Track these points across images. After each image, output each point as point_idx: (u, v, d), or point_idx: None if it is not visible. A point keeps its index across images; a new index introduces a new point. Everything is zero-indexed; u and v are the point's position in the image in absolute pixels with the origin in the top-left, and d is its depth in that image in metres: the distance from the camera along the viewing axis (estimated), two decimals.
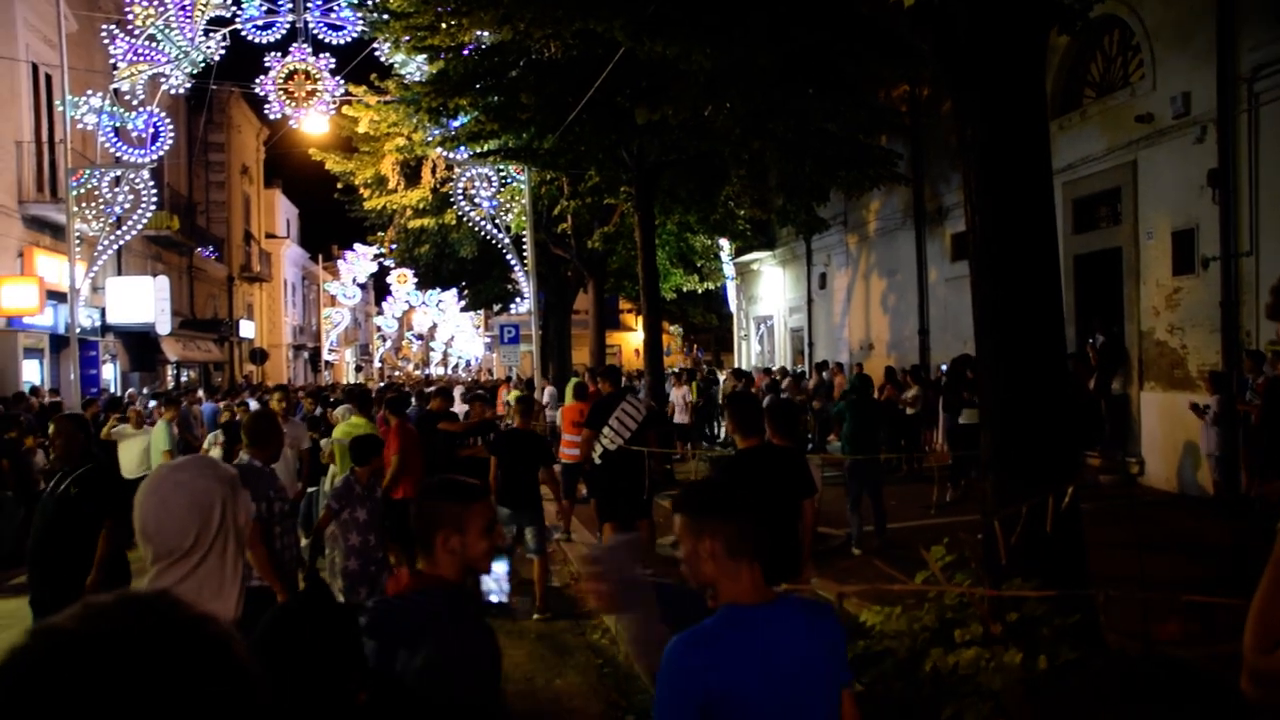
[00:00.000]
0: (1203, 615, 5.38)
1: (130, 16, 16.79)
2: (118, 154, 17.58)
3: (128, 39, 16.84)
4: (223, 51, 17.34)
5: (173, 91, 17.88)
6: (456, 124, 14.54)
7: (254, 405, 15.14)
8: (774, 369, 23.36)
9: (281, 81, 17.57)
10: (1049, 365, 5.55)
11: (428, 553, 2.39)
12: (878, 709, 5.60)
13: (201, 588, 2.06)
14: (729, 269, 29.22)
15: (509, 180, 18.23)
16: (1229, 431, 10.54)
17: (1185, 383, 11.91)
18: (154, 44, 16.92)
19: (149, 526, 2.09)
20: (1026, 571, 5.25)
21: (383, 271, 51.16)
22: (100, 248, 17.52)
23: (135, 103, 17.42)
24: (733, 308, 31.75)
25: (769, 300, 28.20)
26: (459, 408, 15.54)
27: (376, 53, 16.89)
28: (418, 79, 15.46)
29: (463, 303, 35.82)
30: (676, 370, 24.08)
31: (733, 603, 2.41)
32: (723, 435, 19.95)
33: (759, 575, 2.44)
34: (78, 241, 17.20)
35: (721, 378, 23.34)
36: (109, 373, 22.73)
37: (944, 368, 16.03)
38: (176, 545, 2.07)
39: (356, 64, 24.33)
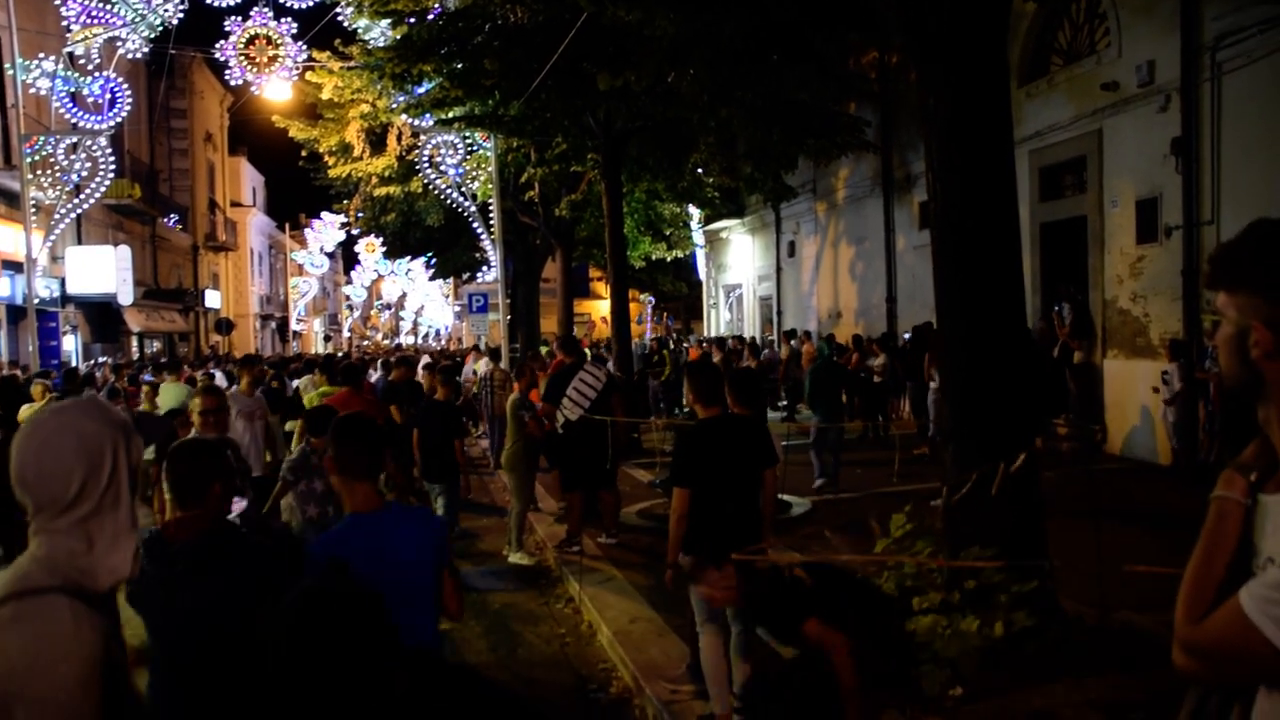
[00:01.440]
0: (1157, 583, 5.46)
1: None
2: (74, 120, 17.23)
3: (81, 1, 16.45)
4: (181, 15, 16.99)
5: (130, 56, 17.50)
6: (421, 90, 14.33)
7: (219, 378, 14.97)
8: (728, 338, 23.31)
9: (242, 47, 17.24)
10: (1009, 335, 5.56)
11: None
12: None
13: (92, 542, 1.85)
14: (698, 237, 29.16)
15: (475, 148, 18.03)
16: (1187, 399, 10.66)
17: (1147, 350, 12.02)
18: (108, 6, 16.54)
19: (28, 474, 1.84)
20: (984, 540, 5.28)
21: (351, 240, 50.68)
22: (58, 216, 17.20)
23: (91, 67, 17.07)
24: (702, 276, 31.71)
25: (738, 269, 28.18)
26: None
27: (340, 18, 16.59)
28: (382, 45, 15.21)
29: (431, 271, 35.54)
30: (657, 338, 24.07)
31: (355, 511, 3.18)
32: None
33: (372, 490, 3.21)
34: (34, 210, 16.86)
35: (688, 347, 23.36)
36: (70, 344, 22.38)
37: (907, 335, 16.13)
38: (60, 495, 1.84)
39: (320, 29, 23.92)
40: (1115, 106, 12.31)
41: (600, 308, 45.18)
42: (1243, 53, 10.46)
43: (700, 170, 17.85)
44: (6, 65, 17.34)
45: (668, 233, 24.13)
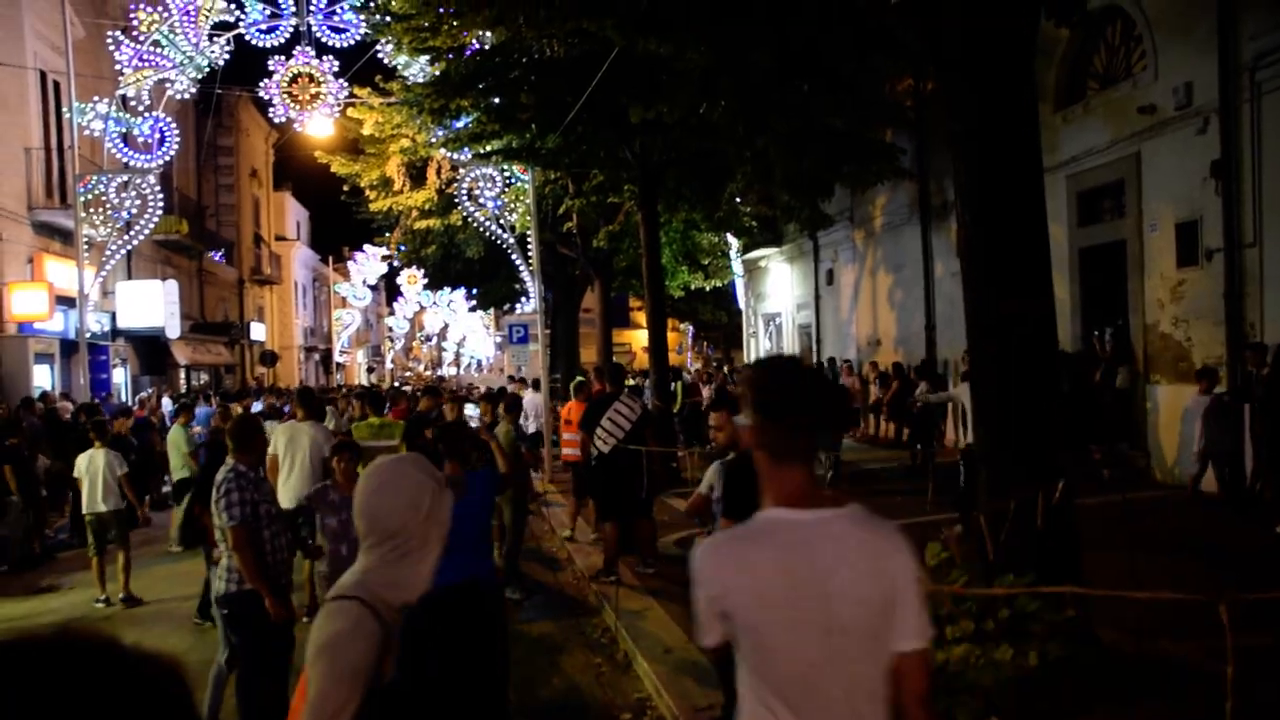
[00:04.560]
0: (1195, 613, 5.37)
1: (135, 23, 16.92)
2: (125, 159, 17.71)
3: (133, 45, 16.96)
4: (227, 56, 17.46)
5: (178, 96, 17.99)
6: (459, 125, 14.58)
7: (258, 408, 15.22)
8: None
9: (286, 85, 17.64)
10: (1041, 363, 5.53)
11: None
12: None
13: (398, 566, 2.34)
14: (737, 266, 29.20)
15: (513, 180, 18.25)
16: (1228, 425, 10.44)
17: (1190, 375, 11.83)
18: (159, 50, 17.04)
19: (367, 507, 2.37)
20: (1019, 568, 5.24)
21: (393, 272, 51.26)
22: (109, 252, 17.65)
23: (141, 108, 17.56)
24: (741, 305, 31.72)
25: (777, 297, 28.16)
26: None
27: (379, 55, 16.95)
28: (420, 80, 15.51)
29: (472, 303, 35.88)
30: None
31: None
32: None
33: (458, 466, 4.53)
34: (86, 247, 17.33)
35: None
36: (119, 376, 22.86)
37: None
38: (386, 526, 2.34)
39: (360, 66, 24.40)
40: (1153, 130, 12.21)
41: (640, 337, 45.27)
42: None
43: (737, 199, 17.92)
44: (65, 110, 17.89)
45: (705, 262, 24.21)
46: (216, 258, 32.62)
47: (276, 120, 18.54)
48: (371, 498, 2.39)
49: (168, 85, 17.43)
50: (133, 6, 17.35)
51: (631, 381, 20.18)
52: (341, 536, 5.97)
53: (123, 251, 18.48)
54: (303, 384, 32.80)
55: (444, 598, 3.78)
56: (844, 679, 1.97)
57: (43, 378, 18.98)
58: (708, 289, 27.08)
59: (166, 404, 19.57)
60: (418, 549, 2.37)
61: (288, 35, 17.33)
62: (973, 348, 5.73)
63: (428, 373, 69.85)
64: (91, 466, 9.25)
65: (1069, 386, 12.46)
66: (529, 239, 18.47)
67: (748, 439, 4.58)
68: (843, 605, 1.95)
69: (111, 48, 17.07)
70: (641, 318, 43.28)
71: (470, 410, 13.18)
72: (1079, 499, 6.75)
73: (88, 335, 17.64)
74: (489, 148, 14.74)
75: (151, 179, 17.63)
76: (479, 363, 77.88)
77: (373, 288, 54.95)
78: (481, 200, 18.21)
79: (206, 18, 16.97)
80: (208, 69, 17.49)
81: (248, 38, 17.21)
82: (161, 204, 18.09)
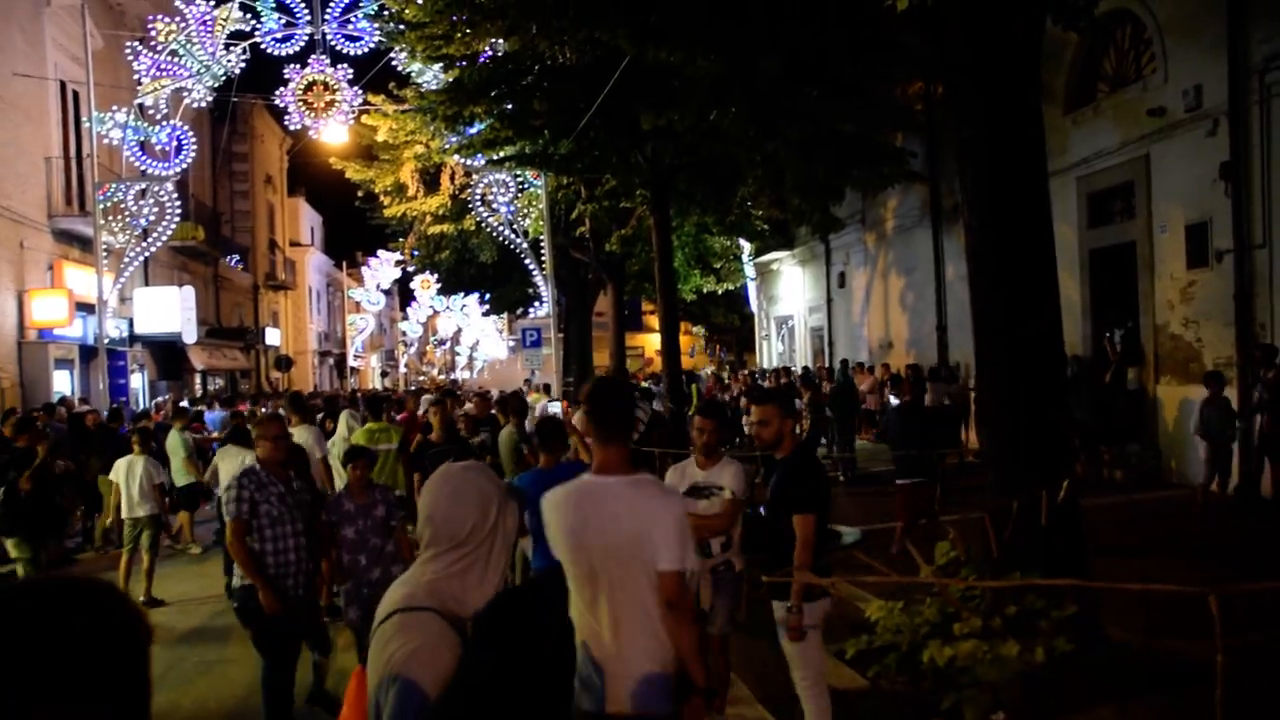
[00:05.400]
0: (1203, 611, 5.44)
1: (153, 33, 17.15)
2: (143, 167, 17.94)
3: (151, 55, 17.20)
4: (243, 64, 17.69)
5: (195, 105, 18.21)
6: (473, 131, 14.74)
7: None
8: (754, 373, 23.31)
9: (301, 92, 17.85)
10: (1047, 360, 5.62)
11: None
12: (881, 701, 5.70)
13: (466, 575, 2.36)
14: (749, 269, 29.29)
15: (526, 185, 18.42)
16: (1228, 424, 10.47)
17: (1200, 377, 11.88)
18: (176, 59, 17.27)
19: (436, 513, 2.39)
20: (1026, 566, 5.32)
21: (406, 277, 51.50)
22: (127, 259, 17.89)
23: (159, 117, 17.79)
24: (754, 308, 31.80)
25: (789, 300, 28.24)
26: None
27: (394, 62, 17.15)
28: (434, 88, 15.68)
29: (485, 307, 36.06)
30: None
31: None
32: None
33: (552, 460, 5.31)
34: (105, 254, 17.56)
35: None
36: (137, 382, 23.08)
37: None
38: (456, 533, 2.36)
39: (374, 74, 24.69)
40: (1163, 132, 12.27)
41: (653, 341, 45.40)
42: None
43: (748, 203, 18.02)
44: (84, 119, 18.13)
45: (717, 265, 24.31)
46: (232, 263, 32.87)
47: (292, 127, 18.75)
48: (443, 504, 2.40)
49: (185, 94, 17.66)
50: (150, 17, 17.62)
51: (645, 384, 20.31)
52: (359, 546, 5.87)
53: (141, 258, 18.72)
54: (291, 389, 32.98)
55: (546, 578, 4.08)
56: (615, 584, 3.01)
57: (62, 383, 19.21)
58: (720, 292, 27.19)
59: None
60: (484, 559, 2.38)
61: (303, 44, 17.54)
62: (979, 349, 5.82)
63: (441, 376, 70.05)
64: (130, 472, 9.55)
65: (1083, 388, 12.51)
66: (542, 243, 18.63)
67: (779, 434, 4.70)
68: (615, 536, 3.01)
69: (130, 58, 17.32)
70: (654, 321, 43.47)
71: (554, 406, 13.63)
72: (1089, 500, 6.83)
73: (106, 341, 17.87)
74: (502, 154, 14.90)
75: (169, 186, 17.86)
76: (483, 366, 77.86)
77: (386, 292, 55.17)
78: (495, 205, 18.39)
79: (223, 27, 17.20)
80: (224, 78, 17.71)
81: (263, 46, 17.43)
82: (179, 211, 18.31)
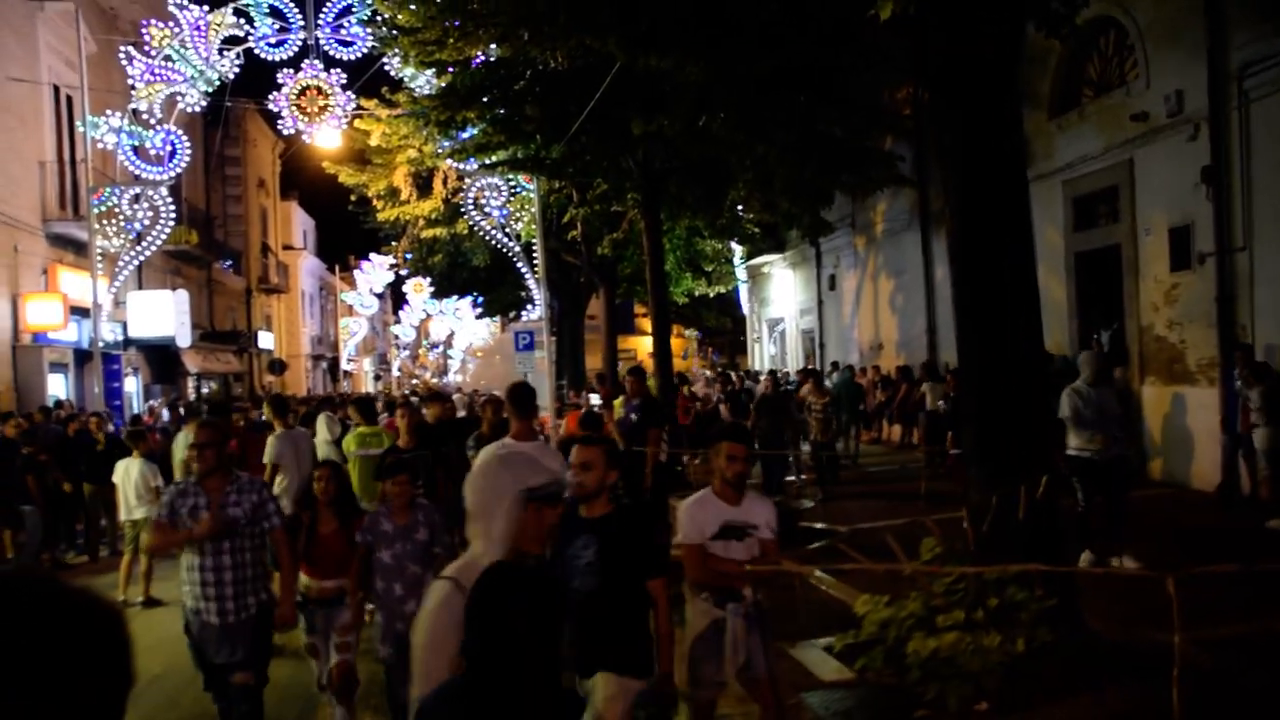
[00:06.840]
0: (1184, 603, 5.59)
1: (147, 38, 17.23)
2: (137, 172, 18.02)
3: (145, 60, 17.28)
4: (237, 69, 17.76)
5: (189, 109, 18.30)
6: (465, 136, 14.86)
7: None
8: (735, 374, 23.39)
9: (294, 97, 17.94)
10: (1025, 363, 5.78)
11: None
12: (868, 693, 5.85)
13: (472, 552, 2.80)
14: (740, 272, 29.46)
15: (518, 189, 18.54)
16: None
17: (1184, 377, 12.07)
18: (170, 64, 17.36)
19: (466, 493, 2.91)
20: (1007, 560, 5.47)
21: (399, 281, 51.54)
22: (121, 263, 17.97)
23: (153, 121, 17.86)
24: (745, 311, 31.97)
25: (780, 303, 28.41)
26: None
27: (386, 67, 17.25)
28: (427, 92, 15.79)
29: (478, 310, 36.18)
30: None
31: None
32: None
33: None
34: (99, 258, 17.64)
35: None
36: (131, 385, 23.15)
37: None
38: (486, 510, 2.79)
39: (367, 78, 24.82)
40: (1145, 137, 12.45)
41: (645, 344, 45.51)
42: (1269, 80, 10.59)
43: (739, 207, 18.17)
44: (78, 123, 18.21)
45: (709, 268, 24.47)
46: (225, 267, 32.93)
47: (285, 132, 18.84)
48: (466, 484, 2.85)
49: (179, 99, 17.75)
50: (144, 22, 17.71)
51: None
52: (396, 573, 5.07)
53: (135, 262, 18.80)
54: (272, 391, 32.96)
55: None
56: None
57: (57, 387, 19.28)
58: (711, 295, 27.37)
59: (165, 414, 19.83)
60: (485, 534, 2.79)
61: (296, 49, 17.64)
62: (960, 349, 5.97)
63: (434, 380, 70.05)
64: (128, 475, 9.70)
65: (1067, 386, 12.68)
66: (534, 247, 18.75)
67: None
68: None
69: (124, 62, 17.38)
70: (646, 324, 43.61)
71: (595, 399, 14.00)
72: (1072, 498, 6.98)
73: (101, 345, 17.94)
74: (494, 158, 15.02)
75: (163, 190, 17.95)
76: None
77: (379, 296, 55.20)
78: (487, 209, 18.51)
79: (216, 33, 17.29)
80: (218, 82, 17.81)
81: (257, 51, 17.53)
82: (174, 215, 18.40)
